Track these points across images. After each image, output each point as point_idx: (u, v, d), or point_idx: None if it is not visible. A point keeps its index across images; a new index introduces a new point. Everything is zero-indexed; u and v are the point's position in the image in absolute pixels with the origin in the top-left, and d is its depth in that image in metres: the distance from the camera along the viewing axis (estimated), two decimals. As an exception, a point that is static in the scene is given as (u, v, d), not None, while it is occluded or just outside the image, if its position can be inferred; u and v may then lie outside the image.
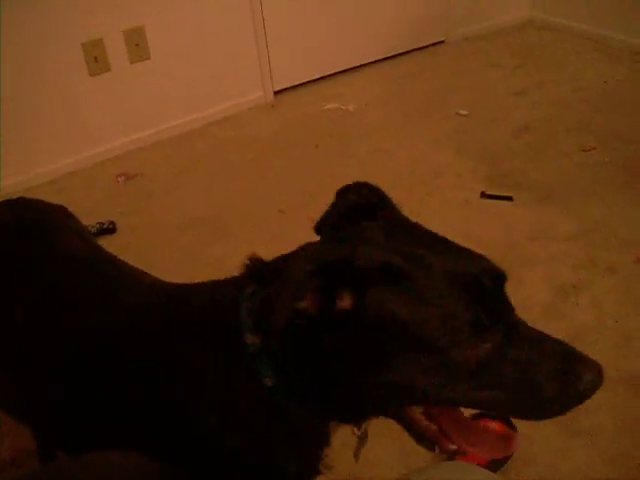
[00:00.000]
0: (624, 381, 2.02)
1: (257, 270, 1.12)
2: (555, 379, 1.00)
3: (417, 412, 1.12)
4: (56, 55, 3.39)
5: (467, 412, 1.92)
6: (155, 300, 1.26)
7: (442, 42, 4.66)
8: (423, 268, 0.98)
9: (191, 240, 2.93)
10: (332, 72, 4.35)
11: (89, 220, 2.95)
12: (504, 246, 2.65)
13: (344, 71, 4.38)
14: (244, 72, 4.03)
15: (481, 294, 0.98)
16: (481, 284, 0.99)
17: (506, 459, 1.81)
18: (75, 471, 1.07)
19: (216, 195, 3.24)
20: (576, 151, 3.22)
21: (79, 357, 1.22)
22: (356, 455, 1.26)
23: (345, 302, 0.95)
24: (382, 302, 0.95)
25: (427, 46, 4.62)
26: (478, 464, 1.73)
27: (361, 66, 4.42)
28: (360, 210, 1.17)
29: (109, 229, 2.99)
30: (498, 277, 1.03)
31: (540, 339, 1.06)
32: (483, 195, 2.97)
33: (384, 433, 1.95)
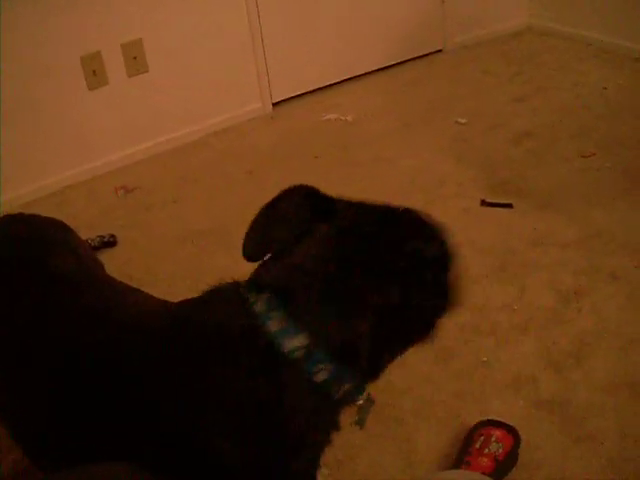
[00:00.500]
0: (628, 386, 2.02)
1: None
2: None
3: None
4: (55, 69, 3.39)
5: (472, 421, 1.92)
6: (158, 322, 1.24)
7: (440, 51, 4.67)
8: None
9: (192, 252, 2.92)
10: (331, 83, 4.35)
11: (90, 233, 2.95)
12: (505, 253, 2.64)
13: (343, 81, 4.38)
14: (242, 84, 4.03)
15: None
16: None
17: (511, 466, 1.81)
18: None
19: (216, 207, 3.23)
20: (576, 157, 3.22)
21: (70, 377, 1.21)
22: (361, 422, 1.26)
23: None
24: None
25: (425, 55, 4.63)
26: (483, 473, 1.73)
27: (359, 76, 4.43)
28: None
29: (110, 242, 2.99)
30: None
31: None
32: (483, 203, 2.96)
33: (388, 444, 1.95)
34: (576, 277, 2.48)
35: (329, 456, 1.36)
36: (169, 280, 2.67)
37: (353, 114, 3.96)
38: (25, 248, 1.51)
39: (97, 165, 3.67)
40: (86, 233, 2.99)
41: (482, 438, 1.84)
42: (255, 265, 1.22)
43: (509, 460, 1.80)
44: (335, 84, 4.36)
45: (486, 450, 1.80)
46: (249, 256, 1.23)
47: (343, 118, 3.94)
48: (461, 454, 1.83)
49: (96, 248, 2.91)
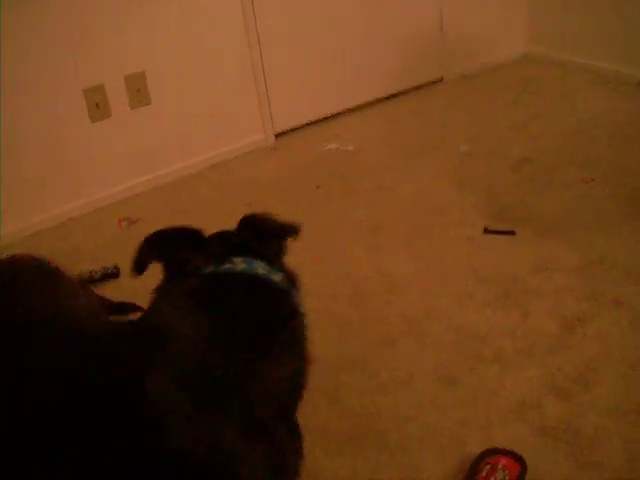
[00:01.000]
0: (634, 411, 2.01)
1: None
2: None
3: None
4: (58, 101, 3.43)
5: (478, 448, 1.92)
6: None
7: (440, 80, 4.70)
8: None
9: (195, 283, 2.92)
10: (332, 113, 4.38)
11: (93, 265, 2.96)
12: (508, 280, 2.64)
13: (344, 112, 4.41)
14: (244, 116, 4.06)
15: None
16: None
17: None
18: None
19: (218, 238, 3.24)
20: (577, 183, 3.23)
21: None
22: None
23: None
24: None
25: (426, 84, 4.66)
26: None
27: (361, 106, 4.46)
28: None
29: (113, 274, 2.99)
30: None
31: None
32: (486, 231, 2.97)
33: (394, 472, 1.95)
34: (579, 303, 2.48)
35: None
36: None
37: (354, 144, 3.98)
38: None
39: (100, 197, 3.68)
40: (91, 265, 3.01)
41: (488, 467, 1.83)
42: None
43: (516, 488, 1.80)
44: (336, 114, 4.39)
45: (492, 479, 1.79)
46: (136, 271, 1.68)
47: (344, 148, 3.96)
48: (468, 483, 1.82)
49: (99, 280, 2.92)
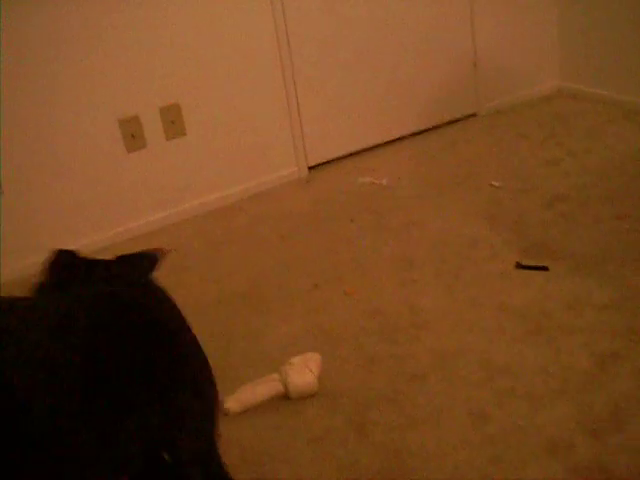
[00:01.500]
0: (668, 453, 1.98)
1: None
2: None
3: None
4: (94, 131, 3.50)
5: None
6: None
7: (474, 115, 4.71)
8: None
9: (226, 314, 2.94)
10: (366, 147, 4.40)
11: (126, 295, 2.98)
12: (540, 315, 2.62)
13: (378, 145, 4.43)
14: (278, 148, 4.09)
15: None
16: None
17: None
18: None
19: (251, 270, 3.26)
20: (610, 219, 3.21)
21: None
22: None
23: None
24: None
25: (459, 119, 4.68)
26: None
27: (394, 140, 4.48)
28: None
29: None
30: None
31: None
32: (518, 266, 2.96)
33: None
34: (612, 339, 2.45)
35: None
36: (202, 341, 2.68)
37: (388, 178, 3.99)
38: None
39: (134, 226, 3.73)
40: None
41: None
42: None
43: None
44: (370, 148, 4.41)
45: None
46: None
47: (378, 182, 3.97)
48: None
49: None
